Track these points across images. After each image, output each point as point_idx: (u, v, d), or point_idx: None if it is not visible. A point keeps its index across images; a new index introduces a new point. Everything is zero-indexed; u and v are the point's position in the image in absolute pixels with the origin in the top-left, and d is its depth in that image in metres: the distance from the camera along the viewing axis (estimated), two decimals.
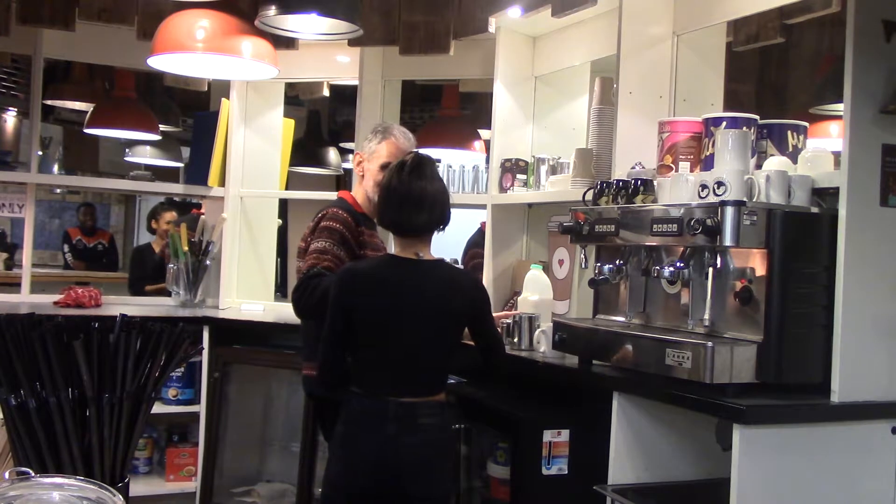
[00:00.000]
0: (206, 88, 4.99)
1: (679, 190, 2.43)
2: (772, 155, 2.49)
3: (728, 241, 2.12)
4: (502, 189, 3.74)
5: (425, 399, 2.59)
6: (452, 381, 3.16)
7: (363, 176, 3.18)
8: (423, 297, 2.63)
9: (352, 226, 3.04)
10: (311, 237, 3.09)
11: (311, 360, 3.13)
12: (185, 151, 6.65)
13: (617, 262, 2.58)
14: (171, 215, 6.66)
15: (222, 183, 4.53)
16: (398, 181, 2.65)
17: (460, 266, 4.04)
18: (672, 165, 2.62)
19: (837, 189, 2.20)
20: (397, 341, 2.60)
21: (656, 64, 3.02)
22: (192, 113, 5.59)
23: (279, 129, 4.77)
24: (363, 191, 3.18)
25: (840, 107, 2.29)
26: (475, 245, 4.56)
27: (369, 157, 3.16)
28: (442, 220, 2.68)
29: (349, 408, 2.66)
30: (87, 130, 5.91)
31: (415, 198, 2.62)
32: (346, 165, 6.72)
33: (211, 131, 4.52)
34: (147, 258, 6.44)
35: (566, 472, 2.65)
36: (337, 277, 2.73)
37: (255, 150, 4.64)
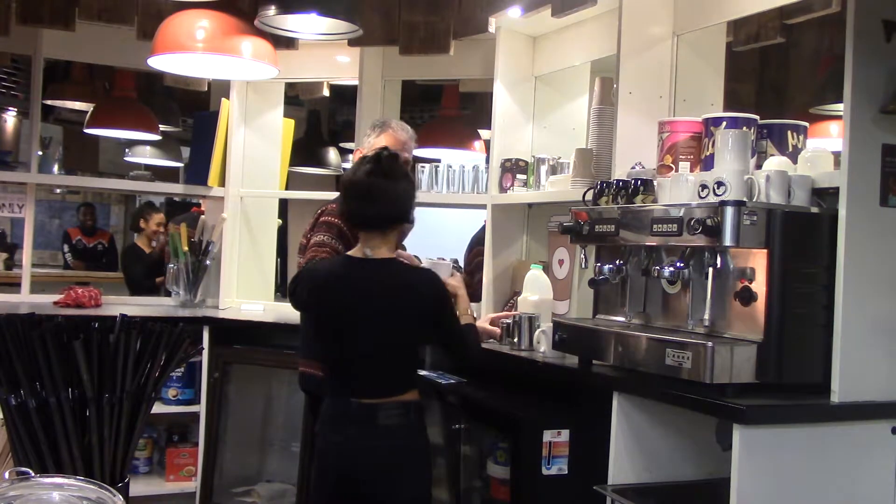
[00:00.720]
0: (206, 88, 4.99)
1: (679, 190, 2.43)
2: (772, 155, 2.49)
3: (728, 241, 2.12)
4: (502, 189, 3.74)
5: (387, 400, 2.56)
6: (452, 380, 3.17)
7: None
8: (369, 296, 2.61)
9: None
10: (310, 233, 3.10)
11: (307, 356, 3.14)
12: (185, 151, 6.65)
13: (617, 262, 2.58)
14: (160, 217, 6.69)
15: (222, 183, 4.53)
16: (352, 173, 2.68)
17: (458, 266, 4.03)
18: (672, 165, 2.62)
19: (837, 189, 2.20)
20: (351, 341, 2.60)
21: (656, 64, 3.02)
22: (192, 113, 5.59)
23: (279, 129, 4.77)
24: None
25: (840, 107, 2.29)
26: (479, 242, 4.56)
27: (369, 151, 3.16)
28: (393, 217, 2.61)
29: (322, 410, 2.68)
30: (87, 130, 5.91)
31: (364, 190, 2.61)
32: (347, 165, 6.72)
33: (211, 131, 4.52)
34: (141, 258, 6.45)
35: (566, 472, 2.65)
36: (299, 277, 2.75)
37: (255, 150, 4.64)
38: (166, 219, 6.79)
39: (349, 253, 2.71)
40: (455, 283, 2.87)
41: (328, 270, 2.70)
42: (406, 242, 3.45)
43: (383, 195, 2.60)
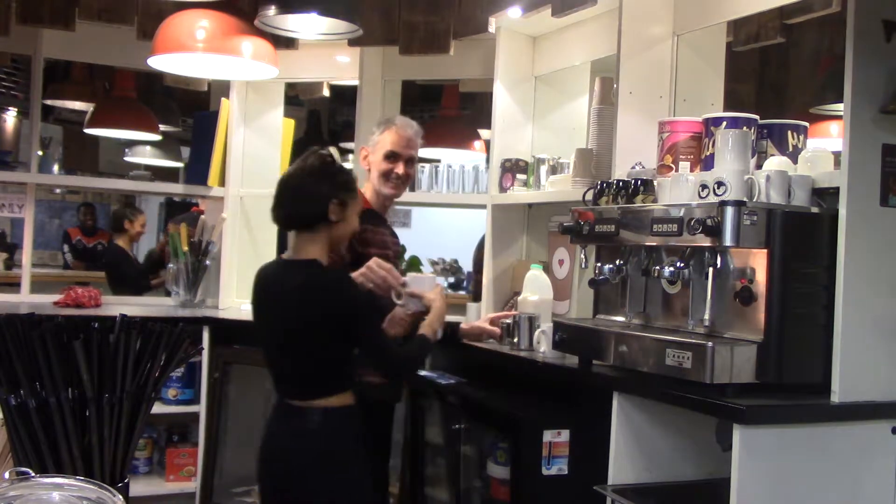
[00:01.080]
0: (206, 88, 4.99)
1: (679, 190, 2.43)
2: (772, 155, 2.49)
3: (728, 241, 2.12)
4: (502, 189, 3.74)
5: (310, 403, 2.56)
6: (452, 380, 3.17)
7: (370, 170, 3.18)
8: (276, 298, 2.62)
9: None
10: None
11: None
12: (185, 151, 6.65)
13: (617, 262, 2.58)
14: (144, 217, 6.70)
15: (222, 183, 4.53)
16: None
17: (460, 269, 4.03)
18: (672, 165, 2.62)
19: (837, 189, 2.20)
20: (268, 344, 2.65)
21: (656, 64, 3.02)
22: (192, 113, 5.58)
23: (279, 129, 4.77)
24: (371, 185, 3.18)
25: (840, 107, 2.29)
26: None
27: (373, 149, 3.16)
28: (303, 217, 2.59)
29: None
30: (87, 130, 5.91)
31: (278, 190, 2.64)
32: (347, 165, 6.71)
33: (211, 131, 4.51)
34: (126, 259, 6.45)
35: (566, 472, 2.65)
36: None
37: (255, 150, 4.63)
38: (167, 219, 6.80)
39: (283, 255, 2.72)
40: (432, 296, 2.83)
41: (261, 271, 2.74)
42: (407, 243, 3.44)
43: (294, 195, 2.61)
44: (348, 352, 2.59)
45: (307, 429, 2.55)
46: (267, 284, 2.66)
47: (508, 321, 3.17)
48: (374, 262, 2.86)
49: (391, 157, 3.10)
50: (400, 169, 3.10)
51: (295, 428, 2.58)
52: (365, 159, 3.21)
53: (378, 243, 3.08)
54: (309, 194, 2.58)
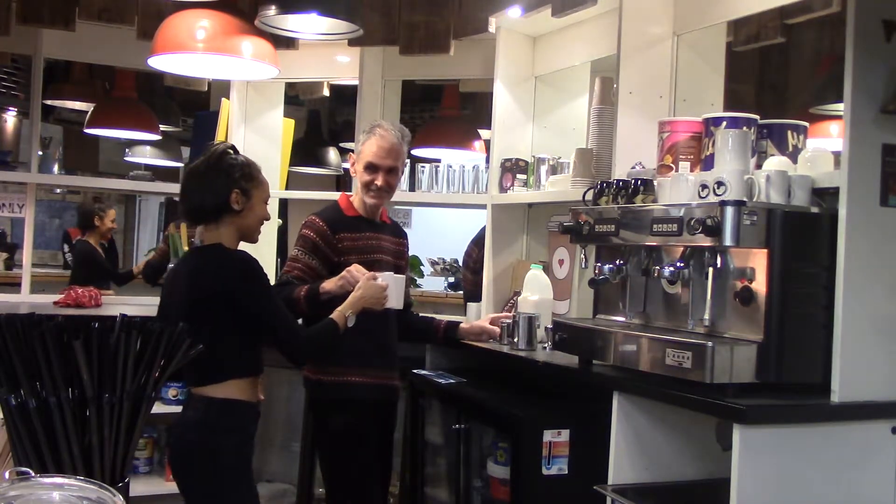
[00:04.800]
0: (206, 88, 4.99)
1: (679, 190, 2.43)
2: (772, 155, 2.49)
3: (728, 241, 2.12)
4: (502, 189, 3.74)
5: (197, 390, 2.58)
6: (452, 380, 3.17)
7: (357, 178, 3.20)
8: (171, 283, 2.74)
9: (326, 233, 3.07)
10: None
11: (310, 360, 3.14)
12: (185, 151, 6.65)
13: (617, 262, 2.58)
14: (114, 213, 6.69)
15: None
16: None
17: (459, 267, 4.04)
18: (672, 165, 2.62)
19: (837, 189, 2.20)
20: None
21: (656, 64, 3.02)
22: (192, 113, 5.59)
23: (279, 129, 4.77)
24: (358, 193, 3.19)
25: (840, 107, 2.29)
26: (475, 243, 4.56)
27: (357, 158, 3.17)
28: (201, 210, 2.66)
29: None
30: (87, 130, 5.91)
31: (181, 186, 2.76)
32: (347, 165, 6.72)
33: (211, 131, 4.52)
34: (95, 257, 6.42)
35: (566, 472, 2.65)
36: None
37: (255, 150, 4.62)
38: (168, 219, 6.80)
39: None
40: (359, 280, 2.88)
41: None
42: (409, 243, 3.44)
43: (197, 188, 2.67)
44: (240, 337, 2.57)
45: (187, 417, 2.59)
46: (170, 272, 2.76)
47: (508, 321, 3.18)
48: (353, 268, 2.94)
49: (370, 168, 3.10)
50: (379, 180, 3.10)
51: (182, 416, 2.62)
52: (352, 166, 3.22)
53: (360, 249, 3.10)
54: (211, 186, 2.64)
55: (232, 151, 2.70)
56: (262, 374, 2.69)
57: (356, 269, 2.93)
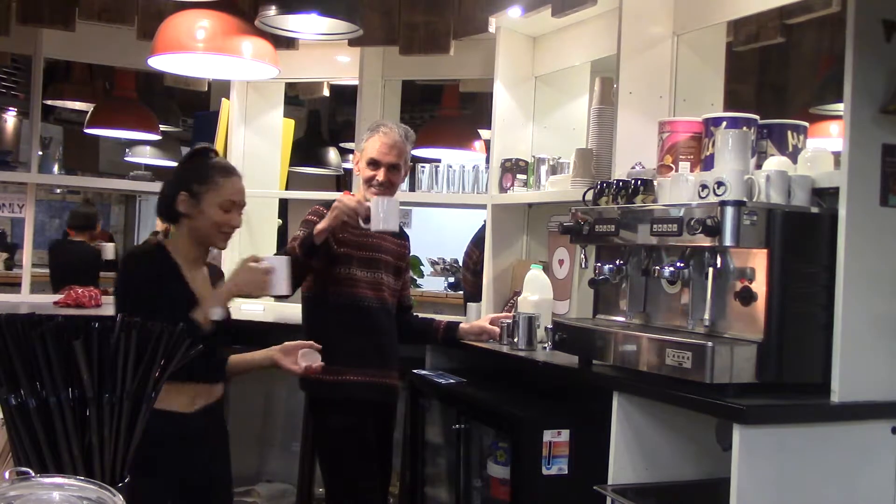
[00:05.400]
0: (207, 88, 4.99)
1: (679, 190, 2.43)
2: (772, 155, 2.49)
3: (728, 241, 2.12)
4: (502, 189, 3.74)
5: None
6: (452, 380, 3.17)
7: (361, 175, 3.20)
8: None
9: None
10: None
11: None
12: (185, 151, 6.64)
13: (617, 262, 2.58)
14: None
15: None
16: None
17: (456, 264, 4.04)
18: (672, 165, 2.62)
19: (837, 189, 2.20)
20: None
21: (656, 64, 3.02)
22: (192, 113, 5.59)
23: (279, 129, 4.77)
24: (361, 190, 3.19)
25: (840, 107, 2.29)
26: (475, 243, 4.56)
27: (360, 156, 3.18)
28: (160, 210, 2.68)
29: None
30: (87, 130, 5.91)
31: None
32: (347, 165, 6.73)
33: (211, 131, 4.52)
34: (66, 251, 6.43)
35: (566, 472, 2.65)
36: None
37: (255, 150, 4.64)
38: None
39: None
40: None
41: None
42: (412, 242, 3.44)
43: (160, 190, 2.72)
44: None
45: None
46: None
47: (508, 321, 3.18)
48: (343, 195, 2.98)
49: (372, 164, 3.11)
50: (381, 176, 3.09)
51: None
52: (356, 165, 3.23)
53: (357, 244, 3.10)
54: (164, 189, 2.66)
55: (204, 153, 2.65)
56: (202, 382, 2.51)
57: (346, 195, 2.93)
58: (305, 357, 2.67)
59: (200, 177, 2.59)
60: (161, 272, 2.52)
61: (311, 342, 2.70)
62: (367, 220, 2.93)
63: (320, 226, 2.94)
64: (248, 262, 2.64)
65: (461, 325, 3.36)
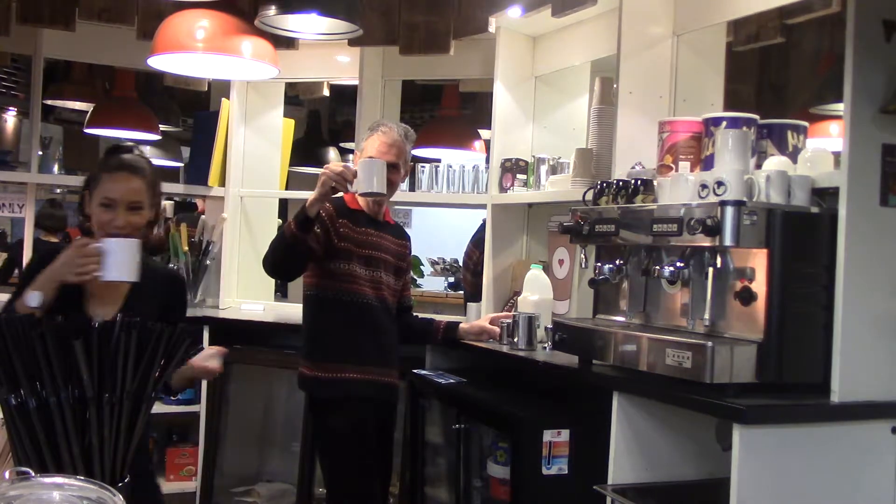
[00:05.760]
0: (206, 88, 4.99)
1: (679, 190, 2.43)
2: (772, 155, 2.49)
3: (728, 241, 2.12)
4: (502, 189, 3.74)
5: None
6: (452, 380, 3.17)
7: None
8: None
9: (331, 214, 3.08)
10: None
11: (308, 358, 3.14)
12: (185, 151, 6.64)
13: (617, 262, 2.58)
14: None
15: (222, 183, 4.53)
16: None
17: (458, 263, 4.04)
18: (672, 165, 2.62)
19: (837, 189, 2.20)
20: None
21: (656, 64, 3.02)
22: (192, 113, 5.58)
23: (279, 129, 4.77)
24: None
25: (840, 107, 2.29)
26: (475, 244, 4.56)
27: (360, 155, 3.18)
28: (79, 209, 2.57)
29: None
30: (87, 130, 5.90)
31: None
32: (347, 165, 6.71)
33: (211, 131, 4.52)
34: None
35: (566, 472, 2.65)
36: None
37: (255, 150, 4.64)
38: (167, 218, 6.79)
39: None
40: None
41: None
42: (412, 243, 3.44)
43: None
44: None
45: None
46: None
47: (508, 321, 3.18)
48: (330, 163, 2.97)
49: None
50: None
51: None
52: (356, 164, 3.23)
53: (356, 241, 3.10)
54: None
55: (112, 150, 2.46)
56: None
57: (333, 163, 2.91)
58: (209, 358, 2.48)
59: (92, 175, 2.43)
60: (43, 263, 2.31)
61: (222, 348, 2.52)
62: (357, 185, 2.93)
63: (312, 196, 2.92)
64: (79, 245, 2.30)
65: (461, 324, 3.36)
